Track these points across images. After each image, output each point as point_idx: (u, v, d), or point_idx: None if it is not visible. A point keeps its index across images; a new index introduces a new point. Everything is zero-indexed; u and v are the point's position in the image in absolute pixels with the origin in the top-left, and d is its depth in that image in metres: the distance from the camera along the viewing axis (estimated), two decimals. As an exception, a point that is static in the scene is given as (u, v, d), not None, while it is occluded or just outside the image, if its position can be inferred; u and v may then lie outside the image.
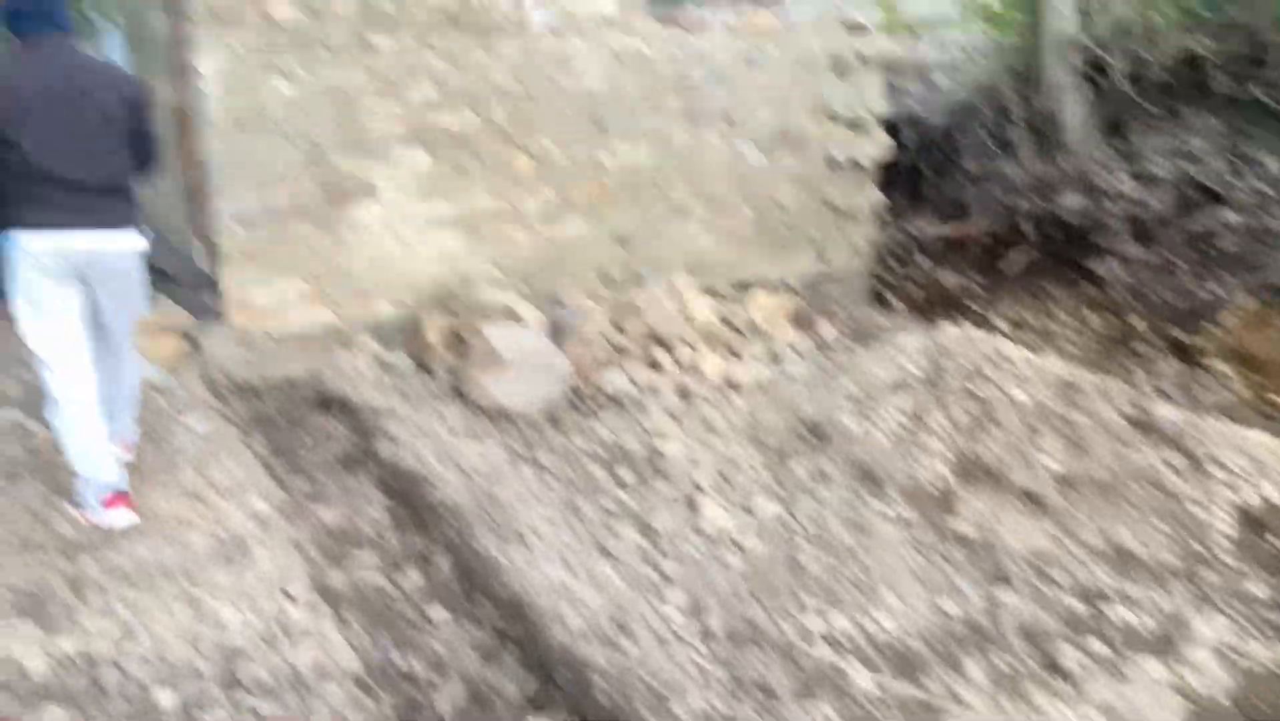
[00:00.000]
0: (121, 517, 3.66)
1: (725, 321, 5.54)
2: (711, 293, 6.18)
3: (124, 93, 3.53)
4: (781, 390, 4.90)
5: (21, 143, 3.29)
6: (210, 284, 5.35)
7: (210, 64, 4.90)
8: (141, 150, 3.64)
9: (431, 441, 4.46)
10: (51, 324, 3.48)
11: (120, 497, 3.67)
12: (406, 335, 5.64)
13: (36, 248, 3.37)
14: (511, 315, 5.35)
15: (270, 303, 5.33)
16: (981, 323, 6.38)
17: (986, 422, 4.24)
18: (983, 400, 4.33)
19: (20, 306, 3.49)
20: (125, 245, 3.57)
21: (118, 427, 3.80)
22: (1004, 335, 5.84)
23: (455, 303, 5.68)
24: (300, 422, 4.92)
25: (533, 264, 6.07)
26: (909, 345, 5.01)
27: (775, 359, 5.41)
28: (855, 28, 6.72)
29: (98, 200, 3.45)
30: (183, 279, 5.45)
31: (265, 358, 5.37)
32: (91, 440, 3.58)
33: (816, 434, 4.54)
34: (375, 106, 5.34)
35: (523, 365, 4.84)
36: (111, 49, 13.02)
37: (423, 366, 5.38)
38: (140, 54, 6.65)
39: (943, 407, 4.36)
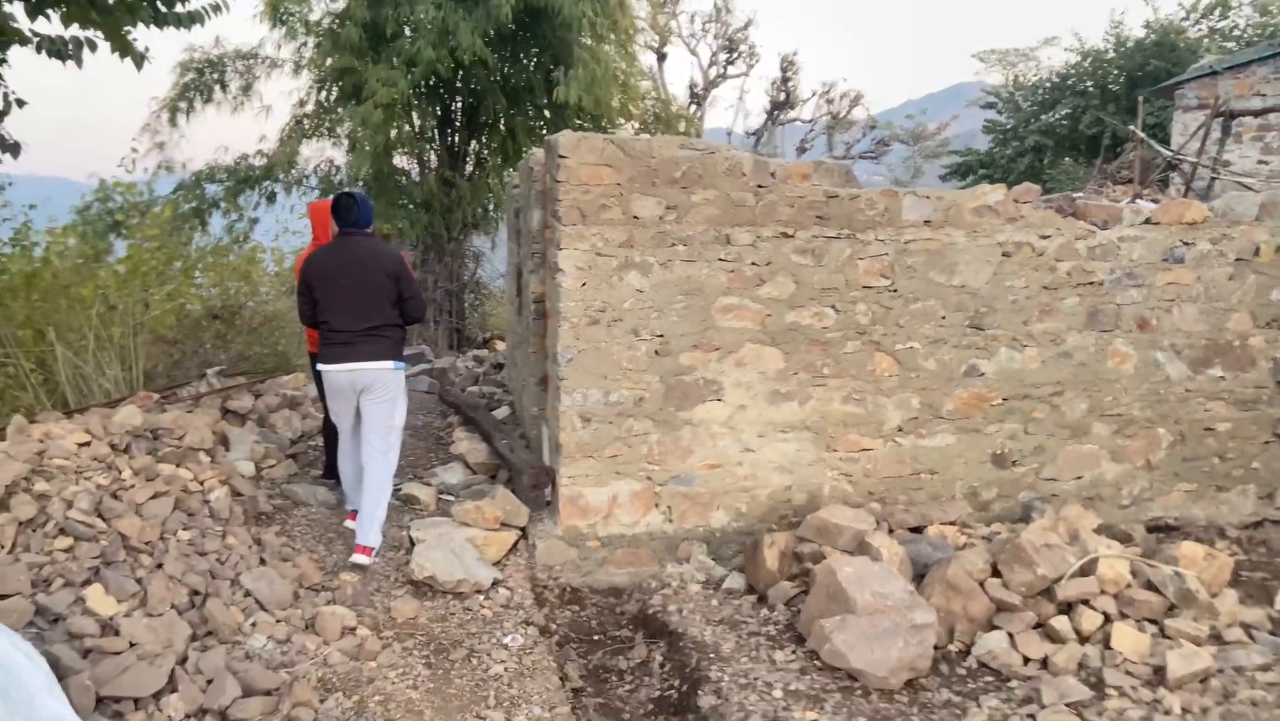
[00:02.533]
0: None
1: (1143, 580, 4.28)
2: (1116, 534, 4.96)
3: (388, 269, 4.92)
4: (1238, 697, 3.56)
5: (319, 300, 4.92)
6: (550, 478, 5.18)
7: (569, 259, 4.85)
8: (407, 308, 5.03)
9: (760, 699, 3.72)
10: (335, 419, 5.18)
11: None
12: (743, 552, 5.04)
13: (326, 374, 4.99)
14: (862, 545, 4.56)
15: (602, 502, 5.03)
16: None
17: None
18: None
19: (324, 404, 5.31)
20: (379, 370, 4.92)
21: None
22: None
23: (798, 520, 5.02)
24: (619, 646, 4.41)
25: (889, 480, 5.28)
26: None
27: (1218, 640, 4.04)
28: (1318, 216, 5.41)
29: (362, 340, 4.88)
30: (525, 471, 5.33)
31: (592, 561, 5.02)
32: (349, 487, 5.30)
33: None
34: (728, 302, 5.02)
35: (875, 613, 3.99)
36: (500, 240, 14.49)
37: (758, 593, 4.71)
38: (519, 246, 7.00)
39: None
